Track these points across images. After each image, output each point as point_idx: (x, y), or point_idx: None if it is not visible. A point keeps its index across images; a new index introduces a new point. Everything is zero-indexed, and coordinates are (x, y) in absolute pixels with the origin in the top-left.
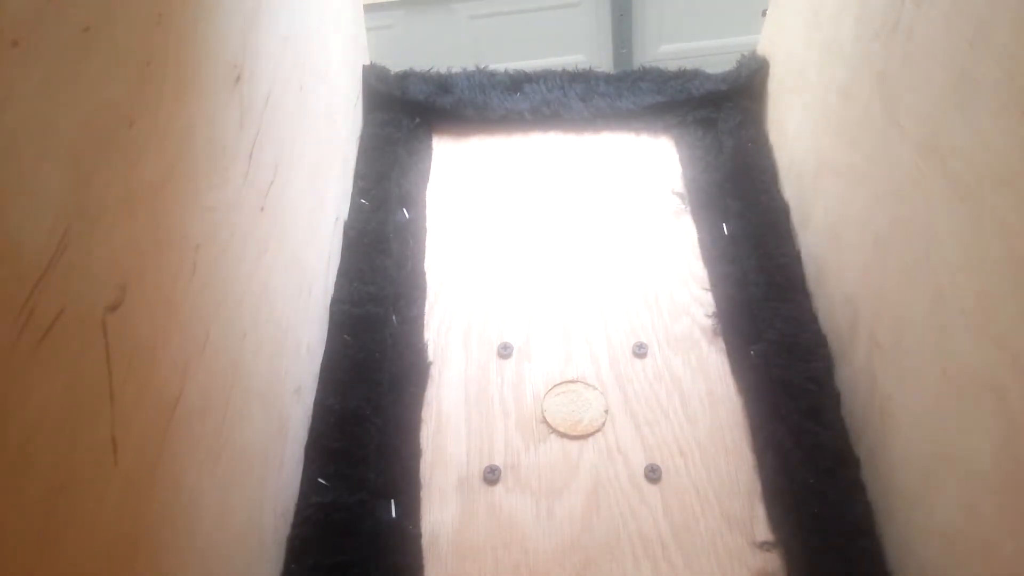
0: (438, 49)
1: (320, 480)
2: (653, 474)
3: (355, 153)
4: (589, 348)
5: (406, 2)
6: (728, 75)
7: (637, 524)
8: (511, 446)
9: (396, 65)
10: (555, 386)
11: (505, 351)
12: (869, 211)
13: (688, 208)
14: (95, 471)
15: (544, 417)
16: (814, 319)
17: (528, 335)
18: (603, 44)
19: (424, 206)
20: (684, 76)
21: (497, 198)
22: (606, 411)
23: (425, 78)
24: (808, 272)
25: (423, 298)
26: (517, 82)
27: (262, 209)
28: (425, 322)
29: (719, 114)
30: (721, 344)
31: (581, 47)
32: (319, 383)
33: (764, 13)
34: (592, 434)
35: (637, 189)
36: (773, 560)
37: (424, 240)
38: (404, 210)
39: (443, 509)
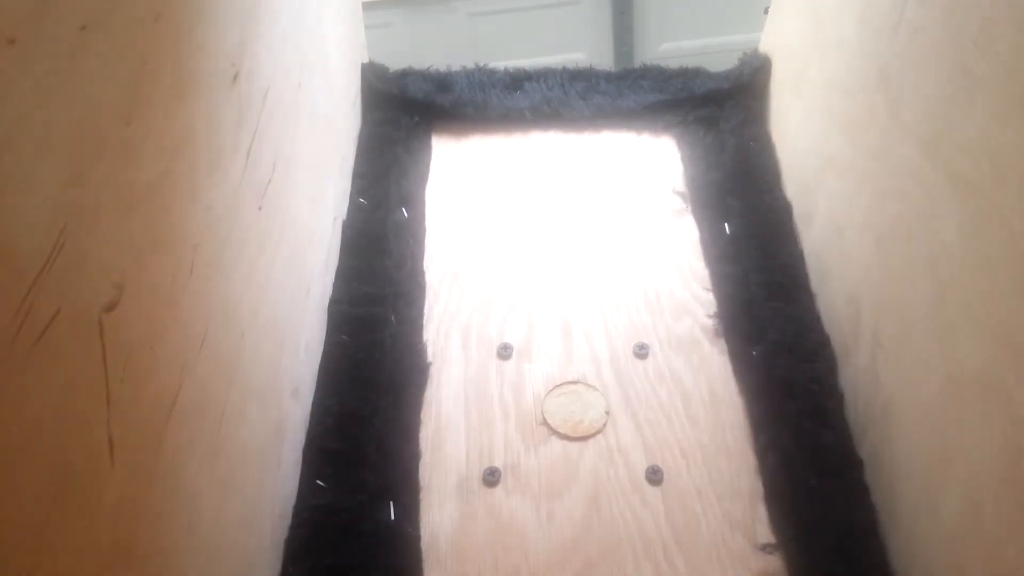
0: (437, 47)
1: (318, 482)
2: (654, 476)
3: (354, 152)
4: (590, 348)
5: (405, 0)
6: (730, 73)
7: (638, 526)
8: (511, 447)
9: (395, 63)
10: (555, 387)
11: (505, 352)
12: (871, 210)
13: (689, 207)
14: (91, 472)
15: (544, 418)
16: (817, 319)
17: (528, 335)
18: (604, 42)
19: (423, 205)
20: (685, 74)
21: (497, 197)
22: (607, 412)
23: (424, 76)
24: (811, 271)
25: (422, 298)
26: (517, 80)
27: (260, 208)
28: (424, 322)
29: (721, 113)
30: (723, 344)
31: (582, 45)
32: (317, 383)
33: (766, 11)
34: (593, 435)
35: (638, 188)
36: (775, 562)
37: (423, 240)
38: (403, 209)
39: (442, 511)
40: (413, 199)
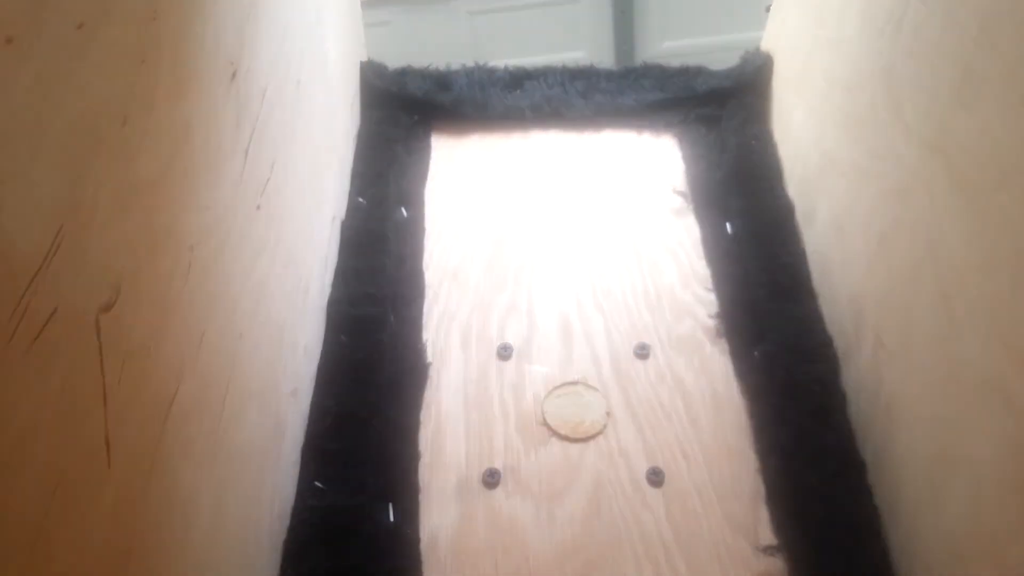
0: (437, 46)
1: (317, 483)
2: (655, 477)
3: (353, 151)
4: (590, 349)
5: None
6: (732, 72)
7: (639, 528)
8: (511, 448)
9: (394, 62)
10: (556, 388)
11: (505, 352)
12: (873, 209)
13: (691, 207)
14: (89, 473)
15: (545, 419)
16: (819, 320)
17: (528, 336)
18: (605, 40)
19: (423, 205)
20: (687, 73)
21: (497, 197)
22: (608, 413)
23: (424, 75)
24: (813, 271)
25: (421, 298)
26: (517, 79)
27: (258, 208)
28: (424, 322)
29: (722, 111)
30: (724, 345)
31: (582, 43)
32: (316, 384)
33: (768, 9)
34: (593, 436)
35: (639, 187)
36: (777, 564)
37: (423, 239)
38: (402, 209)
39: (442, 513)
40: (412, 198)
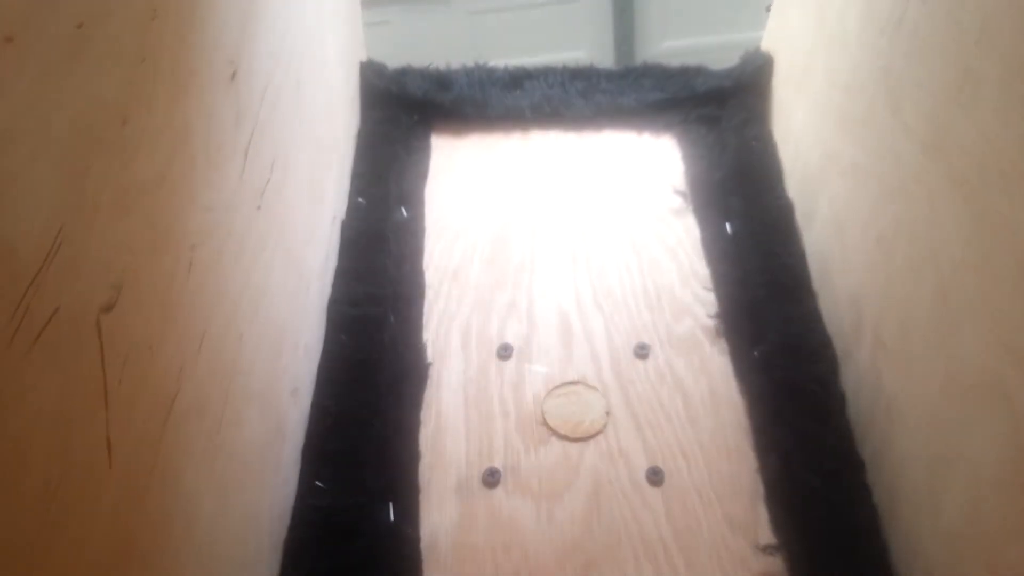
0: (437, 45)
1: (317, 483)
2: (655, 476)
3: (353, 151)
4: (590, 349)
5: None
6: (732, 72)
7: (639, 527)
8: (511, 448)
9: (394, 62)
10: (556, 387)
11: (505, 352)
12: (873, 209)
13: (691, 207)
14: (90, 473)
15: (544, 419)
16: (818, 319)
17: (528, 336)
18: (604, 40)
19: (423, 205)
20: (687, 73)
21: (497, 196)
22: (607, 413)
23: (424, 75)
24: (812, 271)
25: (422, 298)
26: (517, 79)
27: (259, 208)
28: (424, 322)
29: (723, 111)
30: (724, 345)
31: (582, 43)
32: (316, 384)
33: (768, 9)
34: (593, 436)
35: (639, 187)
36: (776, 563)
37: (423, 239)
38: (402, 209)
39: (442, 512)
40: (412, 198)
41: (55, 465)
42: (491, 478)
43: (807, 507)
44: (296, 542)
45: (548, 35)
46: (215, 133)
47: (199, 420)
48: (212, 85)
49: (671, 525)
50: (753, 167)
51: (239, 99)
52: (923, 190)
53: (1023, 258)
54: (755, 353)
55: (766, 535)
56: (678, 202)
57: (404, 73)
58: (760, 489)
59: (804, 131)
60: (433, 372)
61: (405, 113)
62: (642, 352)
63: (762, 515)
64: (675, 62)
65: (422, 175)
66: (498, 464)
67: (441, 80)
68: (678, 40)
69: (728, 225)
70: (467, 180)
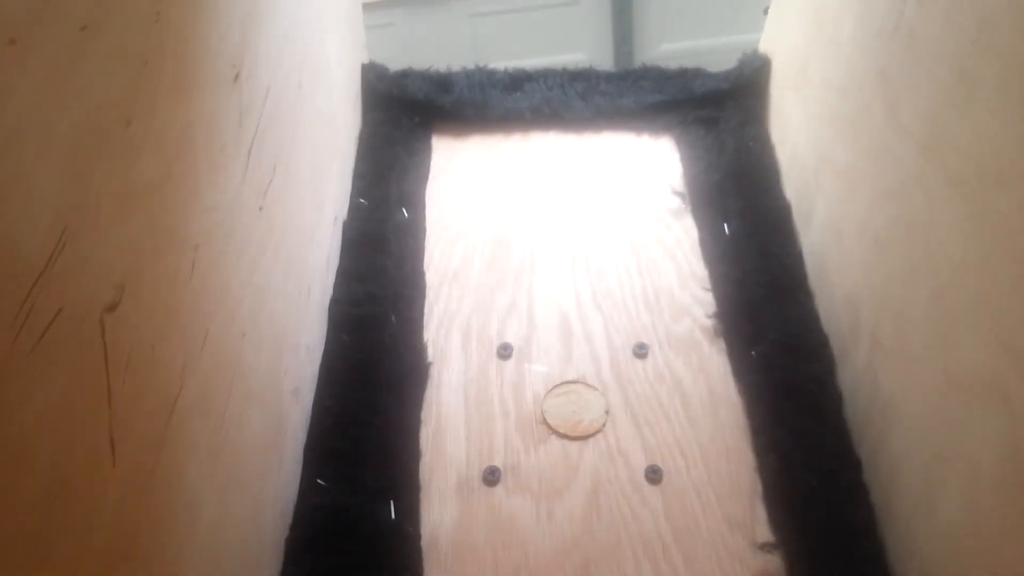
0: (437, 48)
1: (319, 481)
2: (654, 475)
3: (354, 152)
4: (590, 348)
5: (405, 0)
6: (730, 74)
7: (638, 525)
8: (511, 447)
9: (395, 64)
10: (555, 387)
11: (505, 351)
12: (870, 210)
13: (689, 207)
14: (93, 472)
15: (544, 418)
16: (816, 319)
17: (528, 336)
18: (604, 42)
19: (423, 206)
20: (685, 75)
21: (497, 197)
22: (607, 412)
23: (424, 77)
24: (810, 272)
25: (422, 298)
26: (517, 81)
27: (261, 209)
28: (424, 322)
29: (721, 113)
30: (722, 345)
31: (581, 45)
32: (318, 384)
33: (766, 11)
34: (592, 435)
35: (638, 188)
36: (774, 562)
37: (423, 240)
38: (403, 210)
39: (443, 510)
40: (413, 199)
41: (59, 463)
42: (491, 477)
43: (805, 506)
44: (298, 540)
45: (548, 37)
46: (218, 135)
47: (201, 419)
48: (215, 87)
49: (670, 523)
50: (751, 168)
51: (242, 101)
52: (920, 190)
53: (1020, 258)
54: (753, 353)
55: (764, 533)
56: (676, 203)
57: (405, 75)
58: (758, 488)
59: (801, 132)
60: (434, 372)
61: (406, 115)
62: (641, 352)
63: (760, 513)
64: (673, 64)
65: (423, 176)
66: (498, 463)
67: (442, 82)
68: (676, 42)
69: (726, 226)
70: (467, 181)
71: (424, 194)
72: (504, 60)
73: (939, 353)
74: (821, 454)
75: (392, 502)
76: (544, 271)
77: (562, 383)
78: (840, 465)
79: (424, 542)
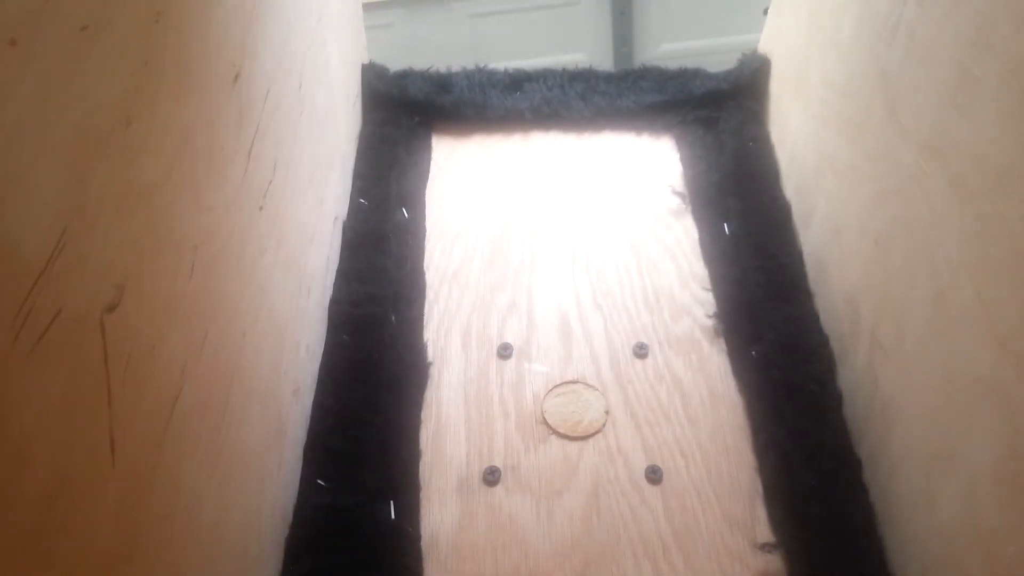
0: (437, 48)
1: (319, 481)
2: (654, 475)
3: (354, 152)
4: (589, 348)
5: (405, 1)
6: (729, 74)
7: (638, 525)
8: (511, 447)
9: (395, 64)
10: (555, 387)
11: (505, 351)
12: (870, 210)
13: (689, 208)
14: (93, 472)
15: (544, 418)
16: (816, 319)
17: (528, 336)
18: (603, 43)
19: (423, 206)
20: (685, 75)
21: (497, 197)
22: (606, 412)
23: (424, 77)
24: (810, 272)
25: (422, 298)
26: (517, 81)
27: (261, 209)
28: (424, 322)
29: (720, 113)
30: (722, 345)
31: (581, 46)
32: (318, 384)
33: (765, 12)
34: (592, 435)
35: (638, 188)
36: (774, 561)
37: (423, 240)
38: (403, 210)
39: (443, 510)
40: (413, 199)
41: (59, 463)
42: (491, 477)
43: (805, 505)
44: (298, 540)
45: (548, 38)
46: (218, 135)
47: (201, 419)
48: (215, 87)
49: (670, 523)
50: (751, 168)
51: (242, 101)
52: (920, 191)
53: (1021, 258)
54: (753, 353)
55: (764, 533)
56: (676, 203)
57: (405, 75)
58: (758, 487)
59: (801, 133)
60: (434, 372)
61: (406, 115)
62: (641, 352)
63: (760, 513)
64: (673, 64)
65: (423, 176)
66: (498, 463)
67: (442, 82)
68: (676, 43)
69: (726, 226)
70: (467, 181)
71: (424, 194)
72: (504, 60)
73: (939, 353)
74: (821, 454)
75: (392, 502)
76: (544, 271)
77: (562, 383)
78: (840, 465)
79: (424, 542)
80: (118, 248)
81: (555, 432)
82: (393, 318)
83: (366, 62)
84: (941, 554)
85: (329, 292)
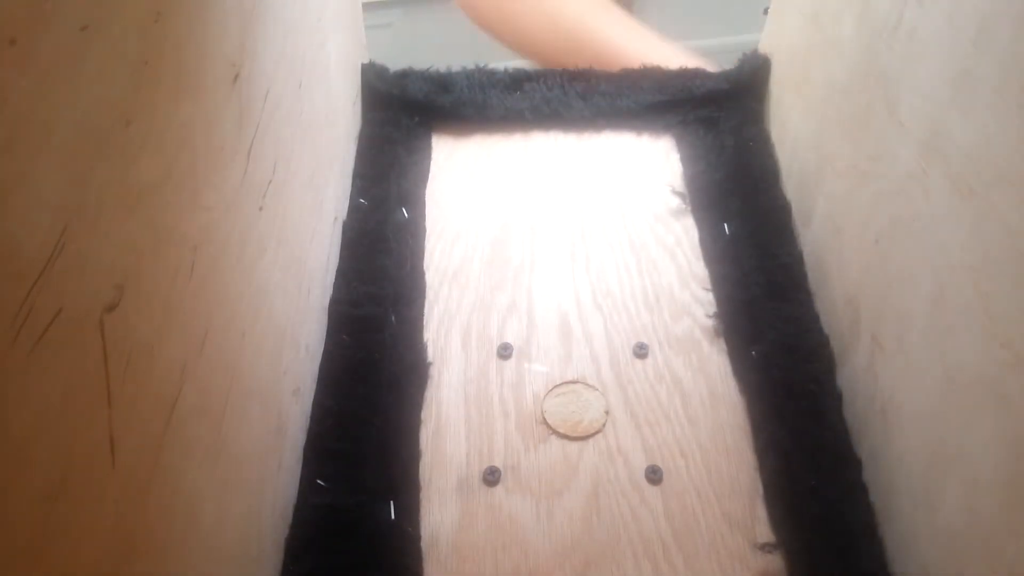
0: (438, 47)
1: (319, 481)
2: (654, 475)
3: (354, 152)
4: (589, 348)
5: (405, 1)
6: (729, 74)
7: (638, 525)
8: (511, 447)
9: (395, 64)
10: (555, 387)
11: (505, 351)
12: (870, 210)
13: (689, 207)
14: (93, 472)
15: (544, 418)
16: (816, 319)
17: (528, 336)
18: None
19: (423, 205)
20: (685, 75)
21: (497, 197)
22: (606, 412)
23: (424, 77)
24: (810, 272)
25: (422, 298)
26: (517, 81)
27: (261, 209)
28: (424, 322)
29: (720, 113)
30: (722, 345)
31: None
32: (318, 384)
33: (765, 11)
34: (592, 435)
35: (638, 188)
36: (774, 561)
37: (423, 240)
38: (403, 209)
39: (443, 510)
40: (413, 199)
41: (59, 464)
42: (491, 477)
43: (805, 505)
44: (298, 540)
45: None
46: (218, 134)
47: (201, 419)
48: (215, 87)
49: (670, 523)
50: (751, 168)
51: (241, 101)
52: (920, 191)
53: (1021, 258)
54: (753, 352)
55: (764, 533)
56: (676, 203)
57: (405, 75)
58: (758, 487)
59: (801, 132)
60: (434, 371)
61: (406, 115)
62: (641, 352)
63: (760, 513)
64: (673, 64)
65: (423, 176)
66: (498, 463)
67: (442, 82)
68: (676, 42)
69: (726, 226)
70: (467, 181)
71: (424, 194)
72: (504, 60)
73: (939, 353)
74: (821, 453)
75: (392, 502)
76: (544, 271)
77: (562, 383)
78: (840, 465)
79: (424, 542)
80: (118, 248)
81: (555, 432)
82: (393, 318)
83: (366, 62)
84: (941, 553)
85: (329, 292)
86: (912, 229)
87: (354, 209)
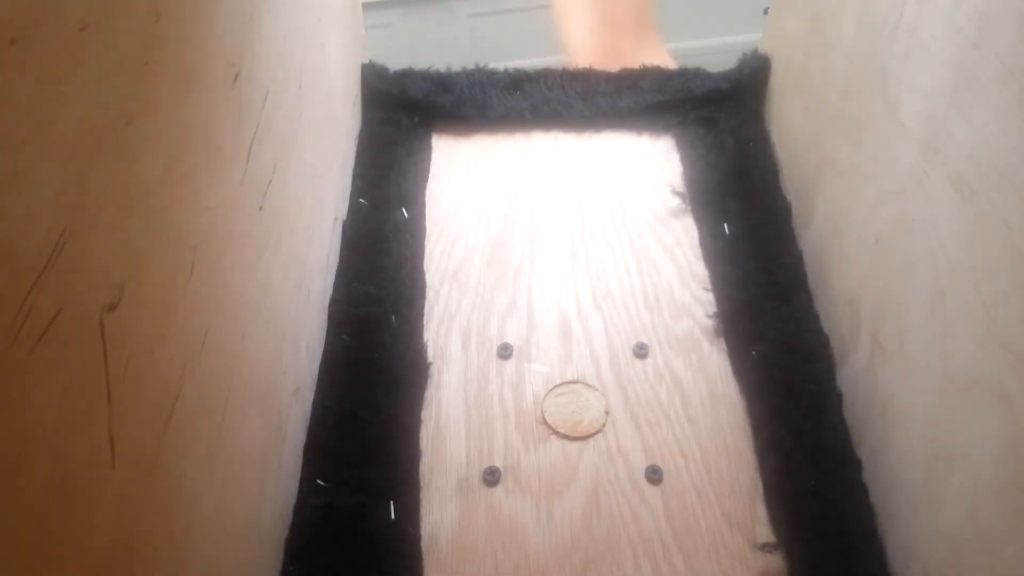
0: (438, 48)
1: (319, 481)
2: (654, 475)
3: (354, 152)
4: (589, 348)
5: (405, 1)
6: (729, 74)
7: (638, 525)
8: (511, 447)
9: (395, 64)
10: (555, 387)
11: (505, 351)
12: (870, 211)
13: (689, 208)
14: (93, 473)
15: (544, 418)
16: (816, 319)
17: (528, 336)
18: None
19: (423, 205)
20: (685, 75)
21: (497, 197)
22: (606, 412)
23: (424, 77)
24: (810, 272)
25: (422, 298)
26: (517, 81)
27: (261, 208)
28: (424, 322)
29: (720, 113)
30: (722, 345)
31: None
32: (318, 384)
33: (766, 11)
34: (592, 435)
35: (638, 188)
36: (775, 561)
37: (423, 240)
38: (403, 209)
39: (443, 510)
40: (413, 199)
41: (58, 465)
42: (491, 477)
43: (805, 505)
44: (297, 540)
45: (548, 37)
46: (217, 134)
47: (201, 419)
48: (215, 87)
49: (670, 523)
50: (751, 168)
51: (241, 101)
52: (920, 191)
53: (1020, 258)
54: (753, 352)
55: (764, 533)
56: (676, 203)
57: (405, 75)
58: (758, 487)
59: (801, 133)
60: (434, 372)
61: (406, 115)
62: (641, 352)
63: (760, 513)
64: (673, 64)
65: (423, 176)
66: (498, 463)
67: (442, 82)
68: (676, 43)
69: (726, 226)
70: (467, 181)
71: (424, 194)
72: (504, 60)
73: (939, 353)
74: (821, 454)
75: (392, 502)
76: (544, 271)
77: (562, 383)
78: (840, 465)
79: (424, 542)
80: (118, 248)
81: (555, 432)
82: (393, 318)
83: (366, 62)
84: (942, 554)
85: (329, 292)
86: (912, 229)
87: (354, 209)
